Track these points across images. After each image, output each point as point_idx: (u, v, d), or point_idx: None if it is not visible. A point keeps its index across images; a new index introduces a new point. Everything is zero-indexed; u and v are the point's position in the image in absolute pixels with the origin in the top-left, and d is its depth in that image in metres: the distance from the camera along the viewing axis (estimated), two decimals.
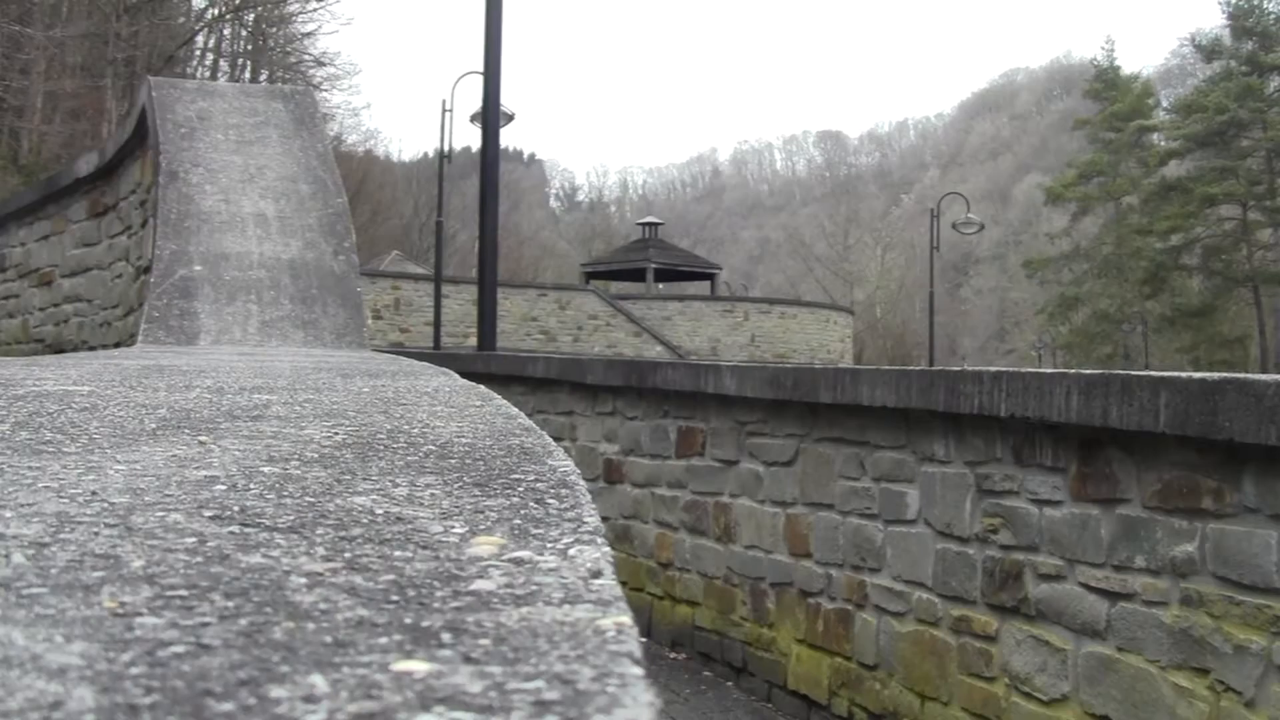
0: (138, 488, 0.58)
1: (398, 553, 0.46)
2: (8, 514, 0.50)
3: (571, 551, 0.47)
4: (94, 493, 0.56)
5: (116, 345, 5.90)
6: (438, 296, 19.96)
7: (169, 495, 0.56)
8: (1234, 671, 2.69)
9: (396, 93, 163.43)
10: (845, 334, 30.42)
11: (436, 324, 19.69)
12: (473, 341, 14.07)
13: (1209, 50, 44.73)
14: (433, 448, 0.78)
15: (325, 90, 28.06)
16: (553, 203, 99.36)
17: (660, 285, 32.39)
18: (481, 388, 1.39)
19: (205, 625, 0.36)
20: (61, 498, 0.54)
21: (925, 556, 3.83)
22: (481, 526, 0.52)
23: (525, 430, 0.90)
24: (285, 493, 0.58)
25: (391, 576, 0.42)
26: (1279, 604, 2.60)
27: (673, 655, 5.25)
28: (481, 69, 9.21)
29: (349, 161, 31.97)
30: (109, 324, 6.66)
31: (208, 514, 0.52)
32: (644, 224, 35.26)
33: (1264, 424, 2.53)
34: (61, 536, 0.46)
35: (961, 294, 69.32)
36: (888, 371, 3.97)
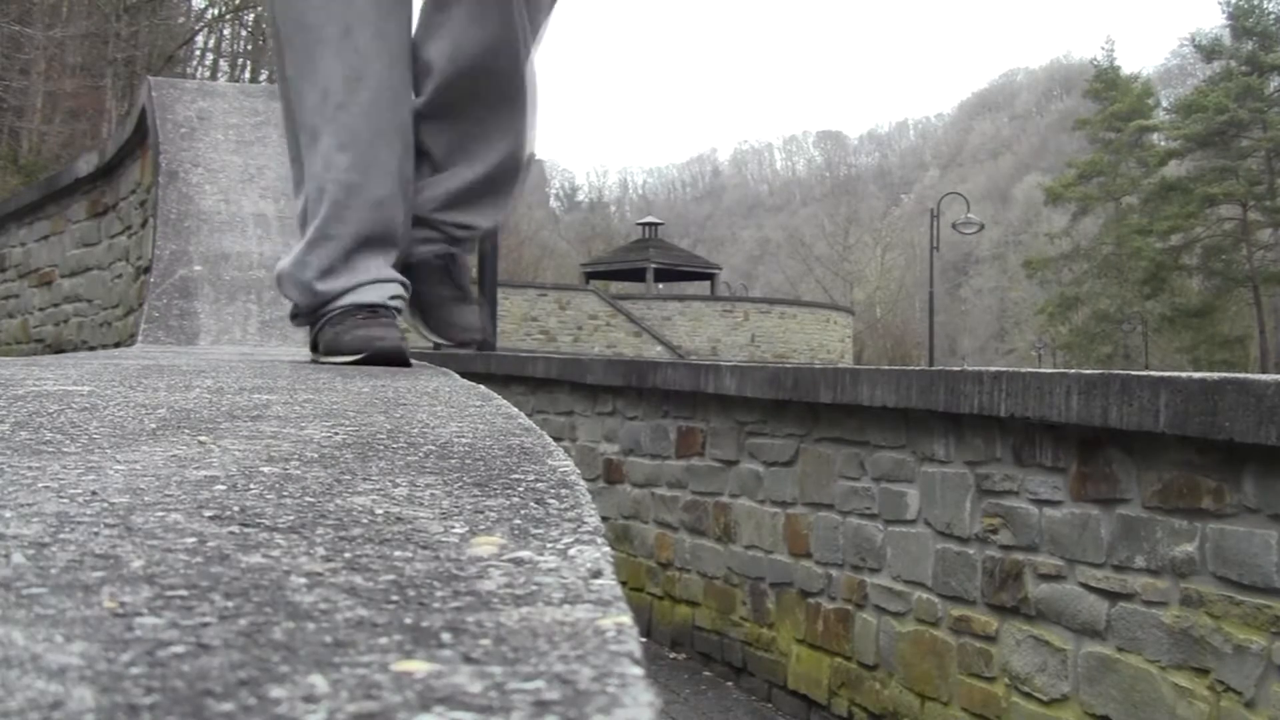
0: (138, 488, 0.58)
1: (398, 553, 0.46)
2: (8, 514, 0.50)
3: (571, 551, 0.47)
4: (94, 493, 0.56)
5: (116, 345, 5.90)
6: None
7: (169, 495, 0.56)
8: (1234, 671, 2.69)
9: None
10: (845, 334, 30.42)
11: None
12: None
13: (1209, 50, 44.73)
14: (433, 448, 0.78)
15: None
16: (553, 203, 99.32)
17: (660, 285, 32.39)
18: (481, 388, 1.39)
19: (205, 625, 0.36)
20: (61, 498, 0.54)
21: (925, 556, 3.83)
22: (481, 526, 0.52)
23: (525, 430, 0.90)
24: (285, 493, 0.58)
25: (391, 576, 0.42)
26: (1279, 604, 2.60)
27: (673, 655, 5.25)
28: None
29: None
30: (109, 324, 6.67)
31: (208, 514, 0.52)
32: (644, 224, 35.26)
33: (1264, 424, 2.53)
34: (61, 536, 0.46)
35: (961, 294, 69.34)
36: (888, 371, 3.97)
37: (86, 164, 7.29)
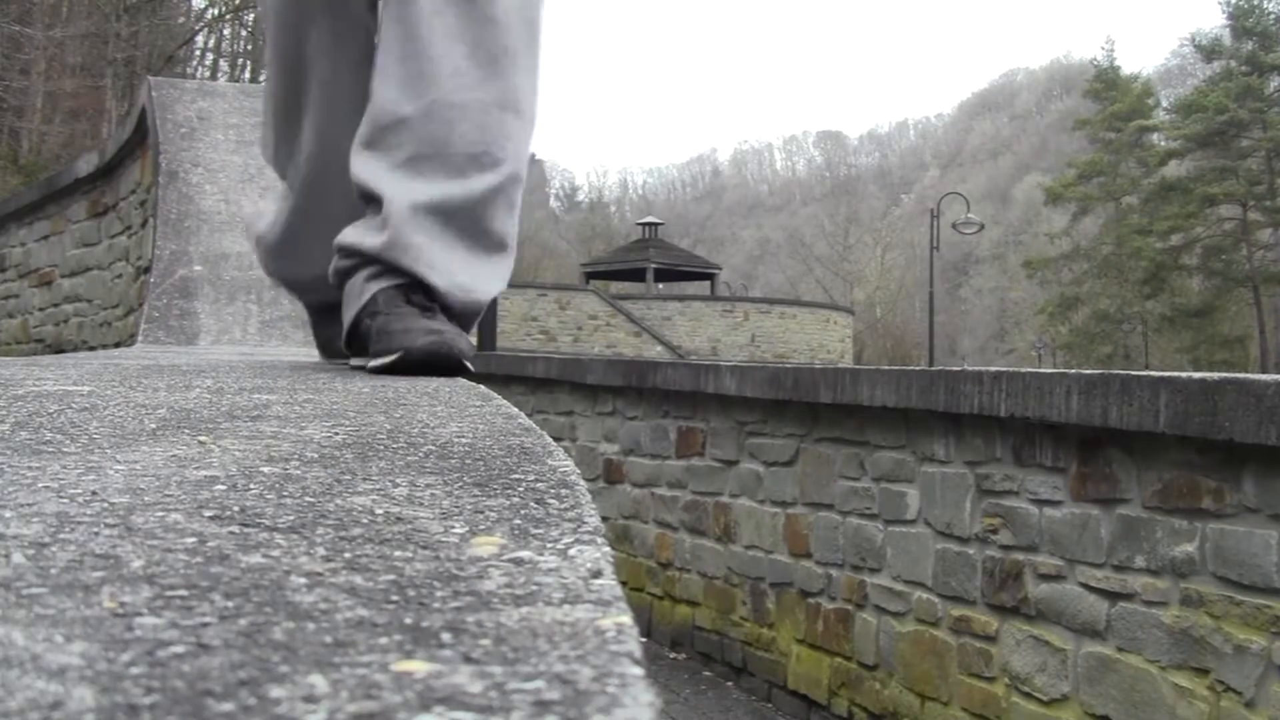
0: (138, 488, 0.58)
1: (398, 553, 0.46)
2: (8, 514, 0.50)
3: (571, 551, 0.47)
4: (94, 493, 0.56)
5: (116, 345, 5.90)
6: None
7: (169, 495, 0.56)
8: (1234, 671, 2.69)
9: None
10: (845, 334, 30.42)
11: None
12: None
13: (1209, 50, 44.72)
14: (433, 448, 0.78)
15: None
16: (553, 203, 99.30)
17: (660, 285, 32.40)
18: (481, 388, 1.39)
19: (205, 625, 0.36)
20: (61, 498, 0.54)
21: (925, 556, 3.83)
22: (481, 526, 0.52)
23: (525, 430, 0.90)
24: (285, 493, 0.58)
25: (391, 576, 0.42)
26: (1279, 604, 2.60)
27: (673, 655, 5.25)
28: None
29: None
30: (109, 324, 6.67)
31: (208, 514, 0.52)
32: (644, 224, 35.27)
33: (1264, 424, 2.53)
34: (61, 536, 0.46)
35: (961, 294, 69.34)
36: (888, 371, 3.97)
37: (86, 164, 7.30)
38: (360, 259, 1.69)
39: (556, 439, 3.28)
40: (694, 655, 5.17)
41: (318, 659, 0.32)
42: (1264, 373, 30.66)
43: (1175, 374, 2.86)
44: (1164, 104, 50.48)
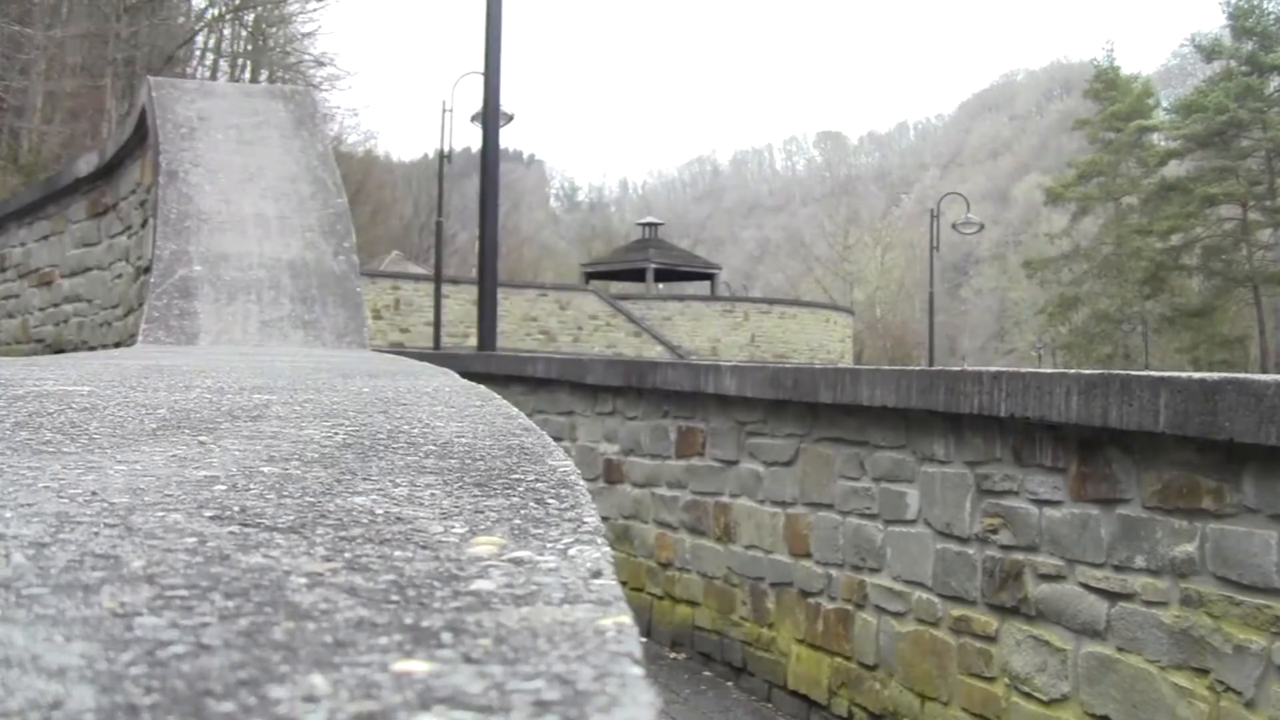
0: (138, 488, 0.58)
1: (398, 553, 0.46)
2: (8, 514, 0.50)
3: (571, 551, 0.47)
4: (94, 493, 0.56)
5: (116, 345, 5.90)
6: (438, 297, 19.98)
7: (169, 495, 0.56)
8: (1234, 671, 2.69)
9: (396, 93, 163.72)
10: (845, 334, 30.43)
11: (436, 324, 19.70)
12: (473, 341, 14.08)
13: (1209, 50, 44.70)
14: (433, 448, 0.78)
15: (325, 90, 28.06)
16: (553, 203, 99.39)
17: (660, 285, 32.40)
18: (481, 388, 1.39)
19: (205, 625, 0.35)
20: (61, 498, 0.54)
21: (925, 556, 3.83)
22: (481, 526, 0.52)
23: (525, 430, 0.90)
24: (285, 493, 0.58)
25: (391, 576, 0.42)
26: (1279, 604, 2.60)
27: (673, 655, 5.25)
28: (482, 69, 9.23)
29: (349, 161, 31.95)
30: (109, 324, 6.66)
31: (208, 514, 0.52)
32: (644, 224, 35.27)
33: (1264, 424, 2.53)
34: (61, 536, 0.46)
35: (961, 294, 69.32)
36: (888, 371, 3.97)
37: (86, 164, 7.30)
38: None
39: (556, 439, 3.28)
40: (694, 655, 5.17)
41: (318, 659, 0.32)
42: (1264, 373, 30.65)
43: (1175, 374, 2.86)
44: (1164, 104, 50.45)
